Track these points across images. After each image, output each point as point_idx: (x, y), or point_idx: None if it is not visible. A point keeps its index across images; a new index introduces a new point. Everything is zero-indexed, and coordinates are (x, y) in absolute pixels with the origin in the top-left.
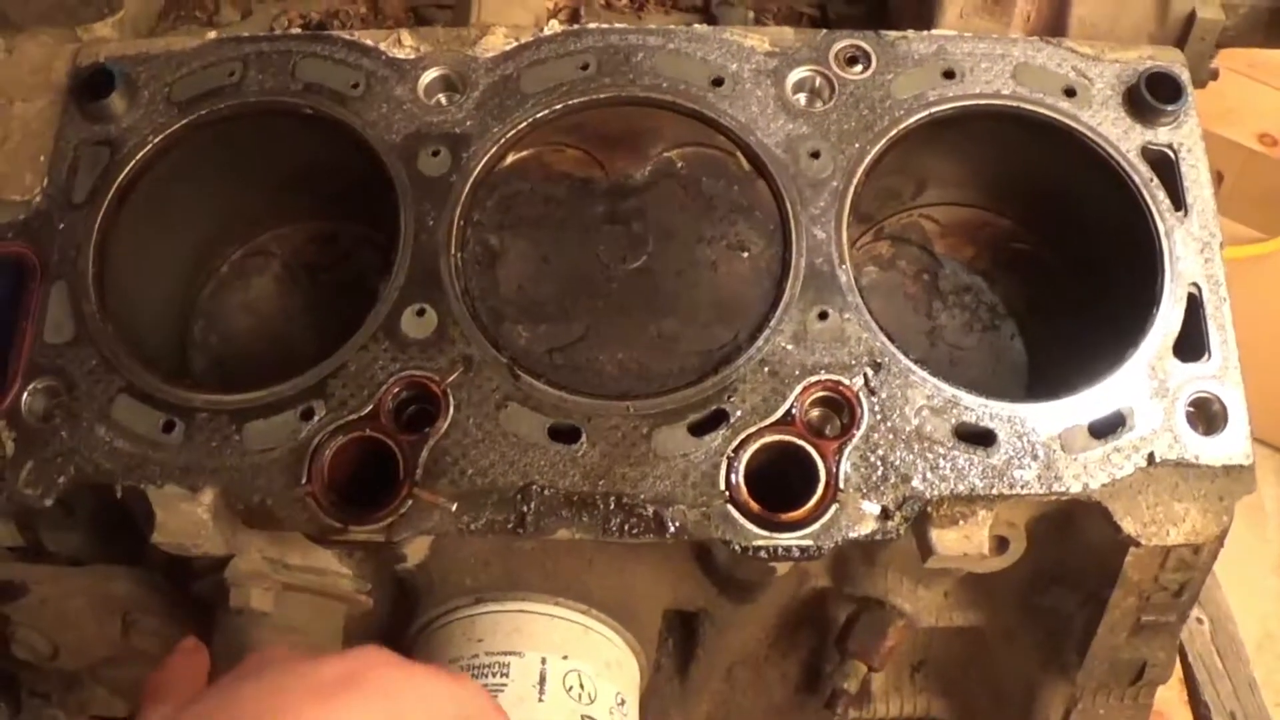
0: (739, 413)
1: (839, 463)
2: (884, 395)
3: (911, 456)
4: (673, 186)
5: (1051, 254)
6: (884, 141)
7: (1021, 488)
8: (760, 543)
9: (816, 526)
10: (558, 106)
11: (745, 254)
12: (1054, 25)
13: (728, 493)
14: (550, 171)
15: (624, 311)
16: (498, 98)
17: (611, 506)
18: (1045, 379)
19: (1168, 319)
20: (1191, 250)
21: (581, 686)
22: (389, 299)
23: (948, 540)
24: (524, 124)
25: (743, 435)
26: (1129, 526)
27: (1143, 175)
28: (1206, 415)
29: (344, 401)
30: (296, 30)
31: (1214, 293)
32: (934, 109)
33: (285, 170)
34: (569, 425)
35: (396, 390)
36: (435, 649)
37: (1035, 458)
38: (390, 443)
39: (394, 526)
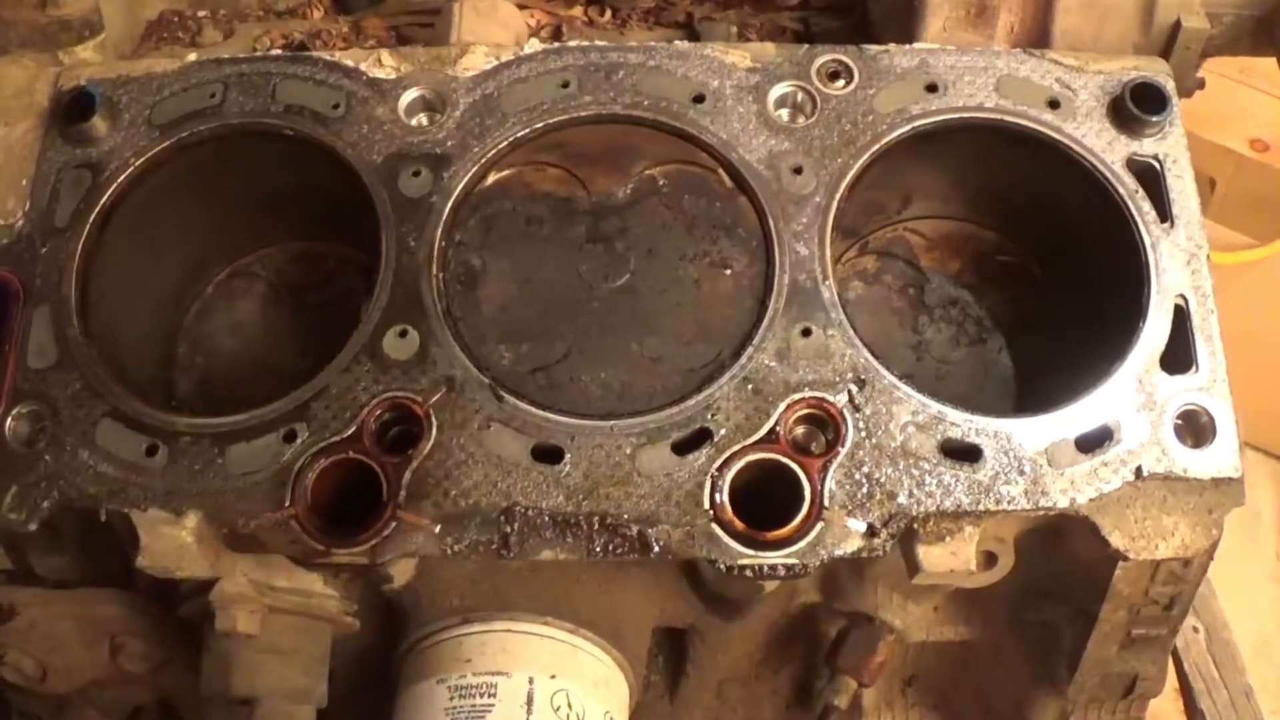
0: (723, 431)
1: (824, 480)
2: (869, 412)
3: (897, 473)
4: (655, 204)
5: (1038, 267)
6: (867, 156)
7: (1008, 504)
8: (746, 561)
9: (802, 544)
10: (538, 125)
11: (728, 271)
12: (1037, 37)
13: (712, 511)
14: (532, 190)
15: (607, 330)
16: (478, 117)
17: (595, 526)
18: (1033, 392)
19: (1154, 331)
20: (1178, 262)
21: (570, 706)
22: (371, 320)
23: (935, 557)
24: (505, 143)
25: (727, 454)
26: (1117, 541)
27: (1128, 187)
28: (1195, 428)
29: (326, 424)
30: (278, 51)
31: (1201, 304)
32: (917, 123)
33: (268, 191)
34: (552, 445)
35: (379, 412)
36: (422, 669)
37: (1022, 473)
38: (373, 464)
39: (377, 549)
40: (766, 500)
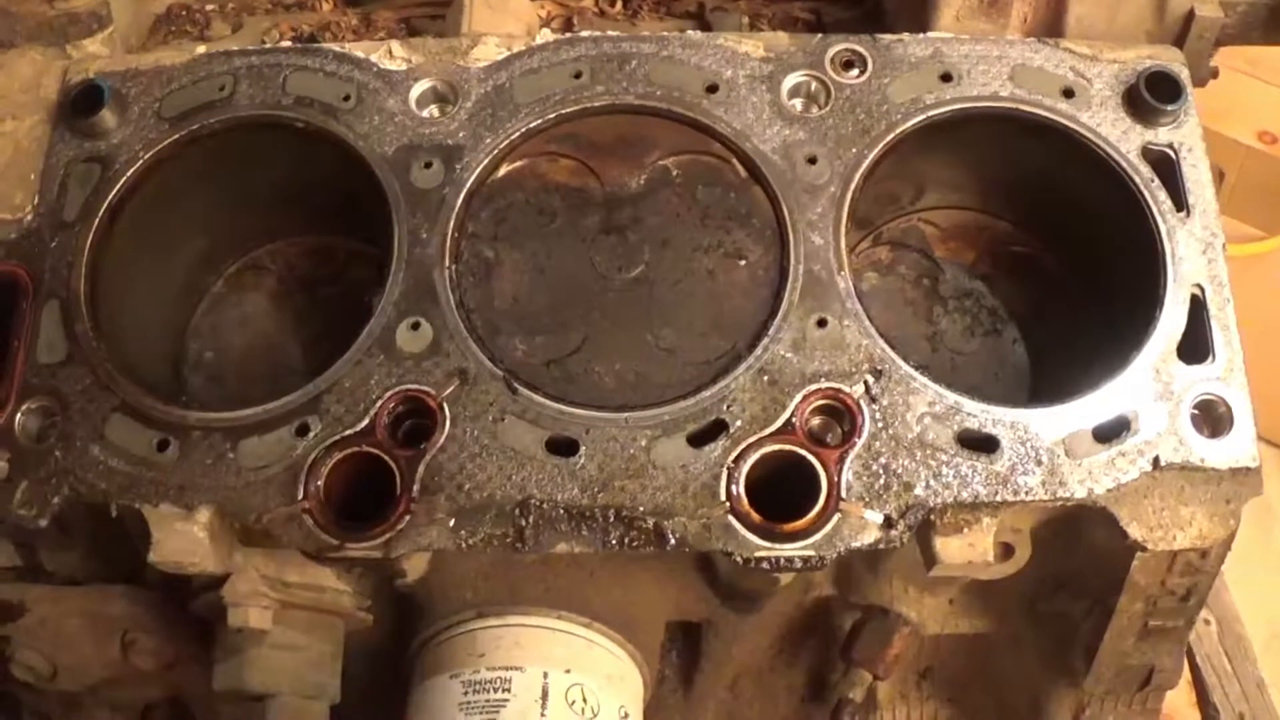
0: (738, 423)
1: (841, 471)
2: (885, 403)
3: (914, 464)
4: (668, 195)
5: (1053, 257)
6: (881, 146)
7: (1026, 494)
8: (762, 554)
9: (819, 536)
10: (551, 116)
11: (743, 262)
12: (1051, 25)
13: (728, 503)
14: (544, 181)
15: (621, 322)
16: (490, 108)
17: (611, 519)
18: (1048, 383)
19: (1171, 321)
20: (1194, 251)
21: (584, 700)
22: (383, 313)
23: (952, 548)
24: (517, 134)
25: (742, 445)
26: (1135, 531)
27: (1144, 176)
28: (1212, 418)
29: (339, 417)
30: (287, 43)
31: (1217, 293)
32: (931, 112)
33: (279, 184)
34: (567, 438)
35: (392, 405)
36: (436, 664)
37: (1039, 463)
38: (386, 458)
39: (391, 543)
40: (783, 492)
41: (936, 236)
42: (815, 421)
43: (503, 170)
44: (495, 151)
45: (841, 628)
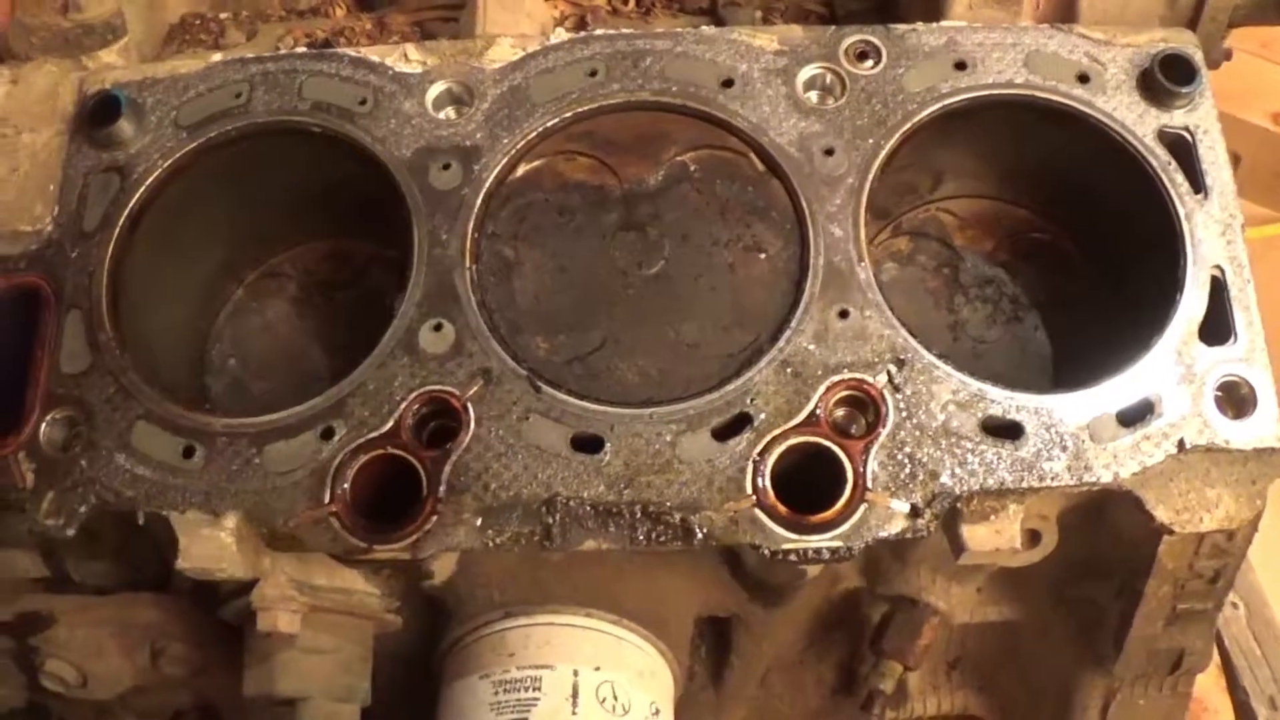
0: (763, 415)
1: (866, 462)
2: (909, 392)
3: (939, 452)
4: (687, 190)
5: (1072, 243)
6: (898, 136)
7: (1052, 480)
8: (790, 546)
9: (846, 527)
10: (567, 115)
11: (763, 255)
12: (1064, 11)
13: (754, 497)
14: (563, 180)
15: (643, 318)
16: (507, 108)
17: (638, 515)
18: (1071, 369)
19: (1192, 303)
20: (1213, 233)
21: (615, 697)
22: (405, 315)
23: (979, 536)
24: (534, 133)
25: (767, 438)
26: (1162, 514)
27: (1160, 159)
28: (1235, 399)
29: (364, 420)
30: (302, 49)
31: (1238, 275)
32: (947, 101)
33: (297, 190)
34: (592, 435)
35: (416, 406)
36: (466, 665)
37: (1064, 449)
38: (412, 459)
39: (419, 543)
40: (809, 484)
41: (955, 225)
42: (839, 413)
43: (521, 170)
44: (513, 151)
45: (870, 619)
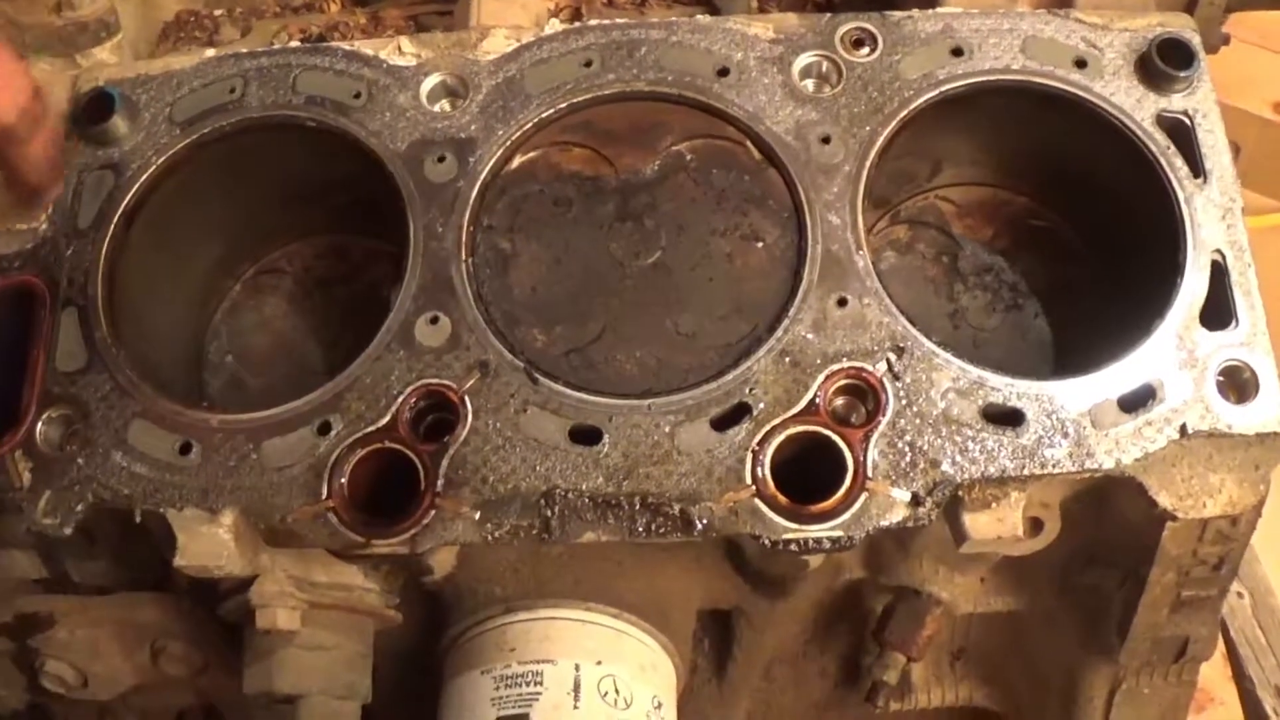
0: (761, 405)
1: (866, 450)
2: (908, 380)
3: (940, 440)
4: (683, 180)
5: (1071, 229)
6: (895, 123)
7: (1053, 466)
8: (790, 536)
9: (847, 516)
10: (562, 105)
11: (760, 244)
12: None
13: (754, 487)
14: (559, 171)
15: (640, 309)
16: (501, 100)
17: (637, 507)
18: (1072, 357)
19: (1193, 288)
20: (1213, 217)
21: (617, 691)
22: (401, 308)
23: (981, 524)
24: (529, 125)
25: (766, 428)
26: (1165, 500)
27: (1159, 143)
28: (1237, 383)
29: (360, 414)
30: (296, 44)
31: (1238, 259)
32: (944, 88)
33: (292, 185)
34: (590, 426)
35: (413, 400)
36: (467, 661)
37: (1065, 435)
38: (410, 453)
39: (417, 538)
40: (808, 473)
41: (954, 213)
42: (839, 401)
43: (516, 161)
44: (508, 143)
45: (873, 610)
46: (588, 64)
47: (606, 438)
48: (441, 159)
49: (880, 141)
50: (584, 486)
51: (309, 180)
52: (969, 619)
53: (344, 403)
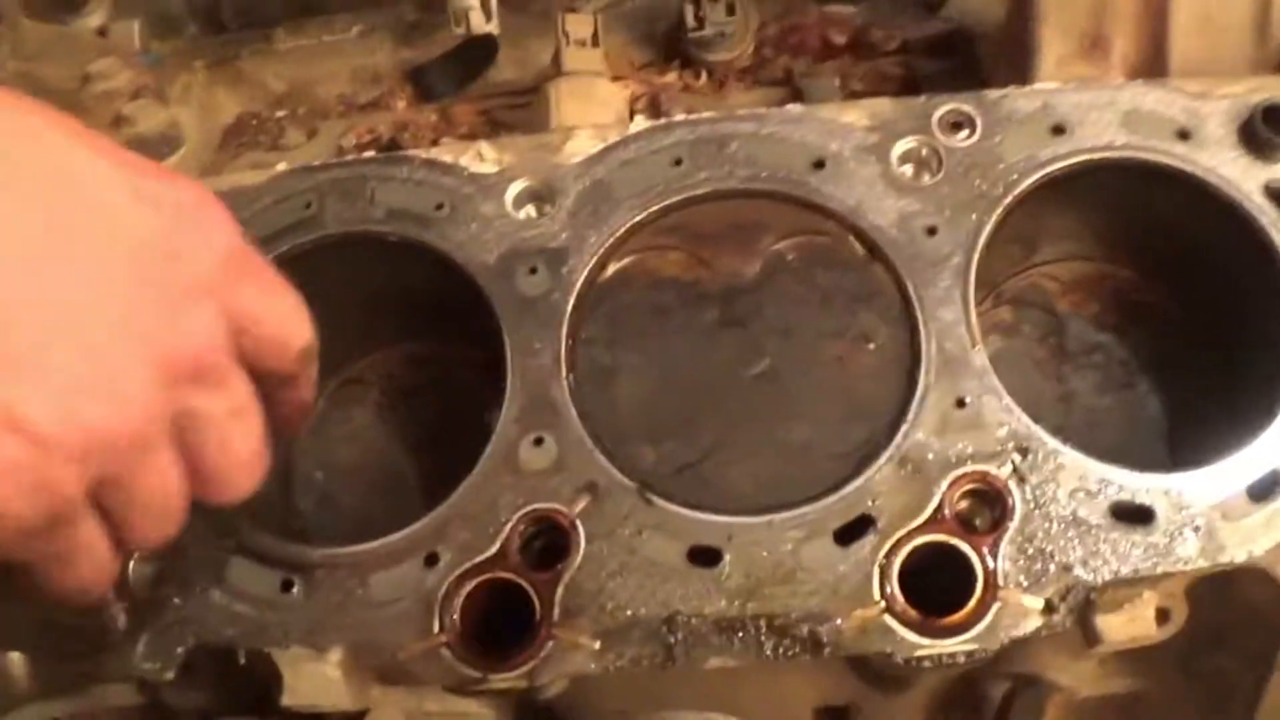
0: (885, 516)
1: (995, 558)
2: (1034, 481)
3: (1069, 543)
4: (786, 281)
5: (1179, 305)
6: (1001, 209)
7: (1186, 564)
8: (923, 652)
9: (980, 628)
10: (654, 208)
11: (871, 345)
12: (1154, 63)
13: (883, 603)
14: (655, 277)
15: (751, 420)
16: (590, 204)
17: (764, 629)
18: (1188, 435)
19: None
20: None
21: None
22: (504, 432)
23: (1114, 625)
24: (621, 230)
25: (892, 540)
26: None
27: (1270, 216)
28: None
29: (468, 544)
30: (366, 147)
31: None
32: (1049, 168)
33: (374, 296)
34: (708, 547)
35: (522, 527)
36: None
37: (1196, 530)
38: (522, 583)
39: (536, 670)
40: (931, 577)
41: (1058, 290)
42: (963, 507)
43: (610, 269)
44: (601, 250)
45: (991, 698)
46: (677, 162)
47: (727, 558)
48: (534, 270)
49: (988, 230)
50: (707, 610)
51: (391, 291)
52: (1086, 700)
53: (450, 532)
